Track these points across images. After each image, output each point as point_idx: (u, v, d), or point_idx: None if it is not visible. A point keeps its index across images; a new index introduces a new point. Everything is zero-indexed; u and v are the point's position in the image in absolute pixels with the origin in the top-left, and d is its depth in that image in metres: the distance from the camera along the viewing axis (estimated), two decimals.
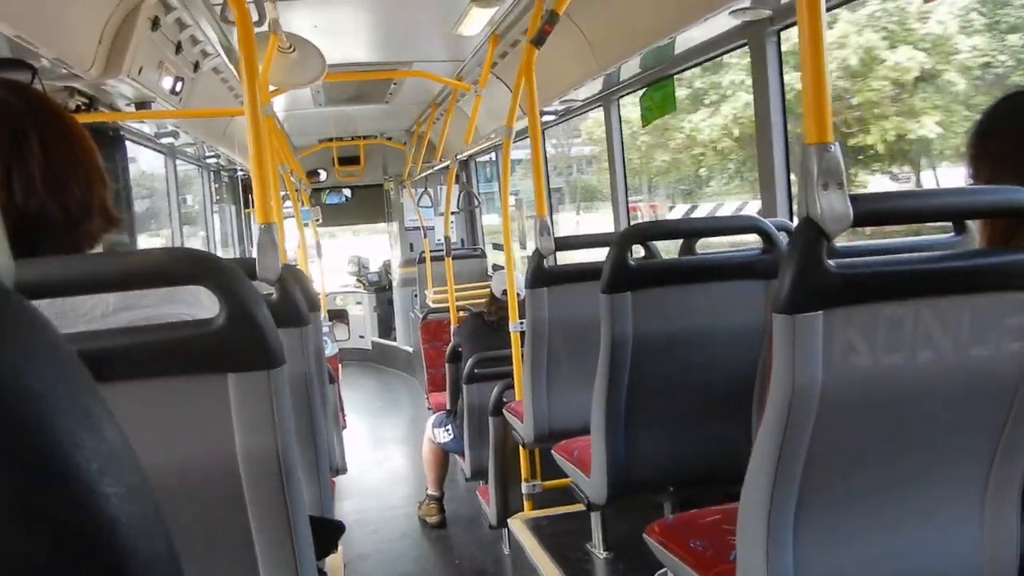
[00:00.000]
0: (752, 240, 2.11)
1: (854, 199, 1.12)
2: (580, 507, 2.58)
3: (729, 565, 1.39)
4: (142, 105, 3.49)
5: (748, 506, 1.27)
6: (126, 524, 0.33)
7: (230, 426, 0.95)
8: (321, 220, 8.25)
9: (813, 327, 1.12)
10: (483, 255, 8.09)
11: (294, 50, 3.31)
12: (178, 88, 3.67)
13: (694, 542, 1.55)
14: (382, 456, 6.50)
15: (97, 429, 0.33)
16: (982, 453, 1.30)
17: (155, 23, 3.09)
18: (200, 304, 1.05)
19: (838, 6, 2.82)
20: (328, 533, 1.39)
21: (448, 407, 4.76)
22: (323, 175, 9.25)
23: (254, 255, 1.52)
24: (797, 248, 1.12)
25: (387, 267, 10.27)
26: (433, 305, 6.83)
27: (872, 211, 1.15)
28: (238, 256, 8.06)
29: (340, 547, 3.09)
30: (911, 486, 1.30)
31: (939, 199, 1.25)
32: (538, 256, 2.67)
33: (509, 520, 3.29)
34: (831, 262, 1.12)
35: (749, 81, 2.94)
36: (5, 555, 0.29)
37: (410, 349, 8.67)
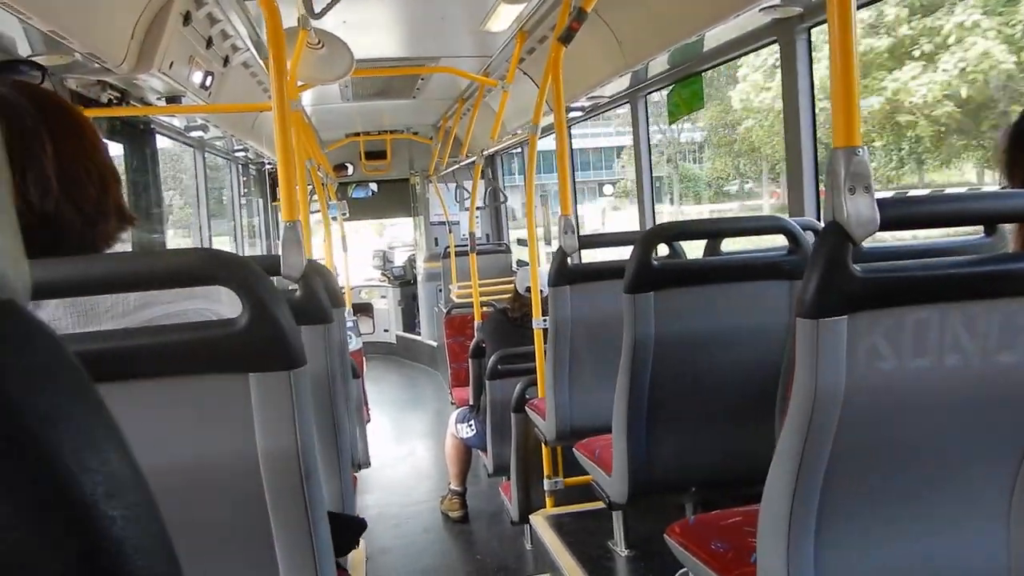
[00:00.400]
0: (781, 240, 2.09)
1: (881, 204, 1.11)
2: (602, 505, 2.58)
3: (750, 568, 1.38)
4: (172, 99, 3.53)
5: (769, 509, 1.26)
6: (133, 546, 0.33)
7: (251, 425, 0.96)
8: (348, 215, 8.29)
9: (837, 332, 1.11)
10: (508, 251, 8.09)
11: (323, 46, 3.32)
12: (208, 83, 3.70)
13: (715, 544, 1.54)
14: (406, 451, 6.54)
15: (104, 451, 0.33)
16: (1008, 460, 1.28)
17: (187, 18, 3.12)
18: (220, 300, 1.06)
19: (869, 3, 2.78)
20: (350, 530, 1.40)
21: (471, 402, 4.77)
22: (350, 169, 9.30)
23: (279, 251, 1.54)
24: (822, 252, 1.11)
25: (412, 261, 10.31)
26: (457, 300, 6.85)
27: (900, 216, 1.14)
28: (265, 249, 8.14)
29: (362, 542, 3.12)
30: (935, 493, 1.28)
31: (967, 203, 1.23)
32: (561, 254, 2.67)
33: (531, 516, 3.30)
34: (856, 267, 1.11)
35: (986, 23, 2.73)
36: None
37: (434, 344, 8.70)
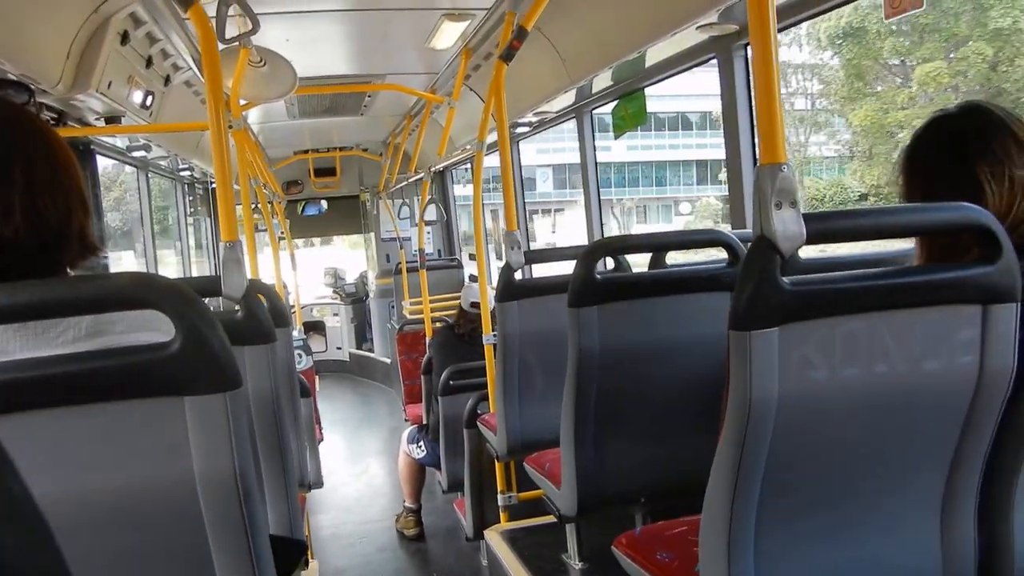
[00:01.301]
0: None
1: (807, 217, 1.14)
2: (555, 518, 2.59)
3: None
4: (112, 120, 3.47)
5: (709, 518, 1.28)
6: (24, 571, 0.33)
7: (187, 449, 0.95)
8: (286, 235, 8.21)
9: (768, 343, 1.14)
10: (459, 266, 8.09)
11: (265, 64, 3.30)
12: (148, 102, 3.65)
13: (661, 554, 1.56)
14: (360, 469, 6.48)
15: None
16: (938, 464, 1.32)
17: (124, 37, 3.08)
18: (172, 331, 1.05)
19: (790, 26, 2.86)
20: (290, 553, 1.39)
21: (424, 419, 4.77)
22: (302, 186, 9.24)
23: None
24: (752, 266, 1.14)
25: (364, 278, 10.25)
26: (409, 316, 6.83)
27: (825, 229, 1.17)
28: (213, 269, 8.02)
29: (315, 562, 3.09)
30: (870, 497, 1.32)
31: (893, 217, 1.27)
32: (508, 270, 2.68)
33: (485, 532, 3.29)
34: (785, 279, 1.14)
35: None
36: None
37: (388, 360, 8.65)
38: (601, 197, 4.71)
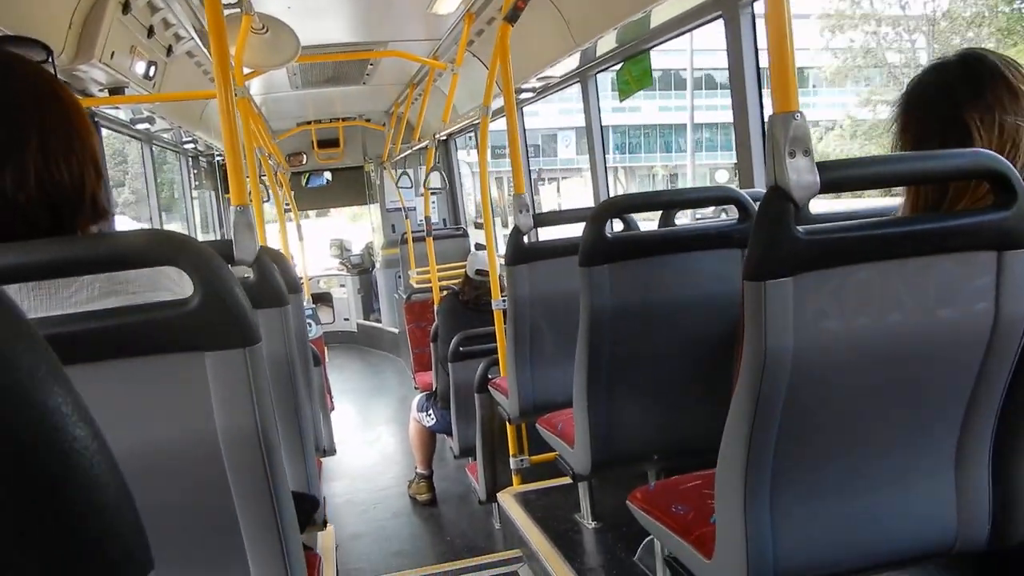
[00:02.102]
0: None
1: (821, 166, 1.13)
2: (568, 480, 2.61)
3: (710, 527, 1.42)
4: (115, 91, 3.46)
5: (725, 469, 1.29)
6: (85, 476, 0.34)
7: (209, 405, 0.96)
8: (292, 206, 8.20)
9: (783, 293, 1.14)
10: (465, 234, 8.08)
11: (267, 31, 3.28)
12: (151, 72, 3.64)
13: (675, 507, 1.58)
14: (372, 437, 6.53)
15: (56, 386, 0.34)
16: (953, 412, 1.33)
17: (126, 7, 3.06)
18: (185, 290, 1.06)
19: None
20: (304, 507, 1.41)
21: (434, 386, 4.79)
22: (305, 158, 9.22)
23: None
24: (766, 216, 1.14)
25: (369, 249, 10.25)
26: (416, 286, 6.84)
27: (840, 178, 1.17)
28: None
29: (331, 528, 3.13)
30: (885, 445, 1.33)
31: (907, 164, 1.27)
32: (517, 233, 2.68)
33: (498, 495, 3.33)
34: (800, 228, 1.14)
35: None
36: None
37: (396, 330, 8.68)
38: (620, 164, 4.67)
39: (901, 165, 1.26)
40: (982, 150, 1.31)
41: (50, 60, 1.18)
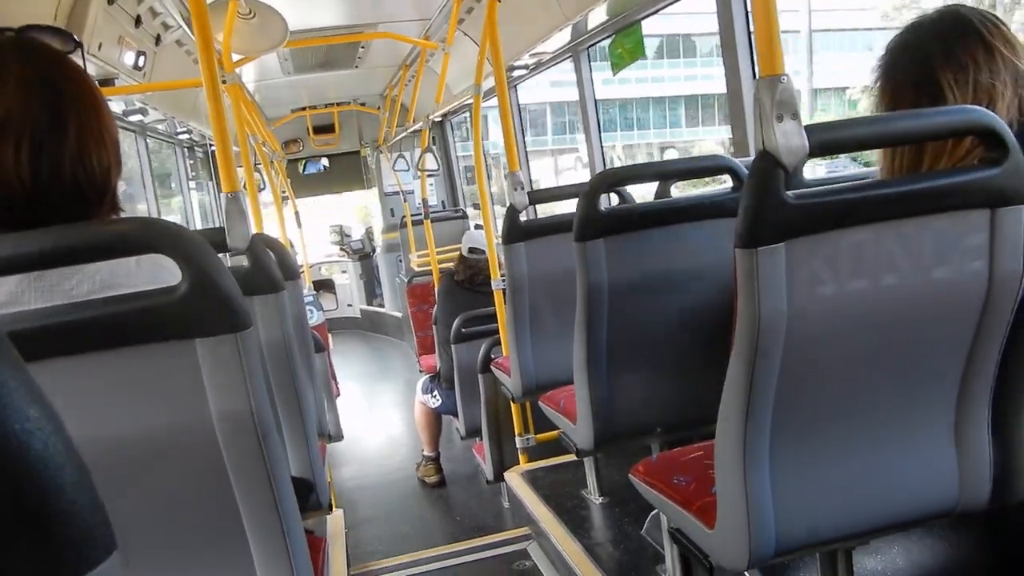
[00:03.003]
0: None
1: (809, 129, 1.12)
2: (574, 456, 2.61)
3: (711, 497, 1.42)
4: (105, 83, 3.44)
5: (723, 438, 1.29)
6: (36, 457, 0.34)
7: (203, 391, 0.96)
8: (289, 193, 8.18)
9: (775, 259, 1.14)
10: (464, 216, 8.07)
11: (254, 16, 3.26)
12: (141, 63, 3.62)
13: (677, 478, 1.58)
14: (379, 421, 6.56)
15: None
16: (951, 372, 1.33)
17: None
18: None
19: None
20: (300, 491, 1.41)
21: (438, 368, 4.81)
22: (302, 145, 9.20)
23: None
24: (755, 182, 1.13)
25: (369, 233, 10.25)
26: (417, 269, 6.84)
27: (829, 140, 1.16)
28: None
29: (340, 511, 3.15)
30: (883, 408, 1.33)
31: (896, 123, 1.25)
32: (512, 211, 2.67)
33: (505, 474, 3.34)
34: (789, 193, 1.13)
35: None
36: None
37: (399, 314, 8.69)
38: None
39: (891, 125, 1.24)
40: (974, 107, 1.29)
41: (80, 53, 1.18)
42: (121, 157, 1.13)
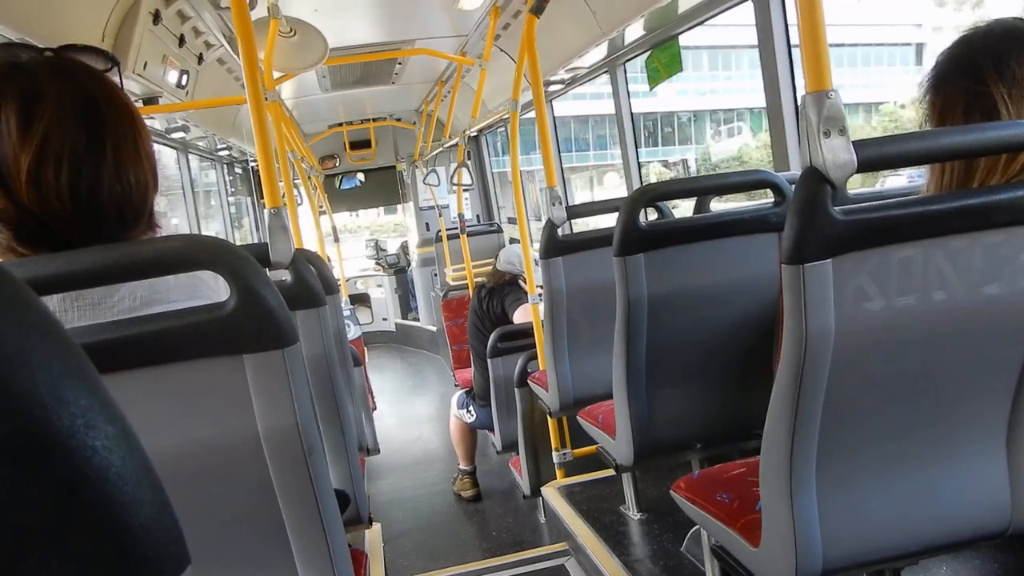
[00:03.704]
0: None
1: (858, 145, 1.11)
2: (612, 472, 2.59)
3: (756, 515, 1.40)
4: (150, 101, 3.52)
5: (769, 455, 1.28)
6: (116, 474, 0.34)
7: (250, 406, 0.97)
8: (327, 208, 8.26)
9: (822, 275, 1.12)
10: (499, 230, 8.09)
11: (295, 34, 3.31)
12: (184, 81, 3.69)
13: (720, 495, 1.56)
14: (415, 435, 6.58)
15: (79, 385, 0.34)
16: (1002, 391, 1.30)
17: (156, 17, 3.11)
18: (222, 296, 1.07)
19: None
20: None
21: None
22: (338, 160, 9.30)
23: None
24: (802, 198, 1.12)
25: (405, 248, 10.31)
26: (452, 283, 6.87)
27: (877, 156, 1.14)
28: None
29: (377, 525, 3.16)
30: (932, 427, 1.30)
31: (947, 139, 1.23)
32: (550, 226, 2.67)
33: (542, 489, 3.33)
34: (836, 209, 1.11)
35: None
36: (2, 513, 0.30)
37: (434, 328, 8.72)
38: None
39: (941, 140, 1.22)
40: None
41: (115, 70, 1.20)
42: (158, 174, 1.14)
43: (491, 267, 4.79)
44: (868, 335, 1.18)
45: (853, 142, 1.11)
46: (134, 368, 0.95)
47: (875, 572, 1.48)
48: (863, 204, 1.15)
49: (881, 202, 1.16)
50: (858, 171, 1.12)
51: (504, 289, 4.55)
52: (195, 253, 0.92)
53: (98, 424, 0.34)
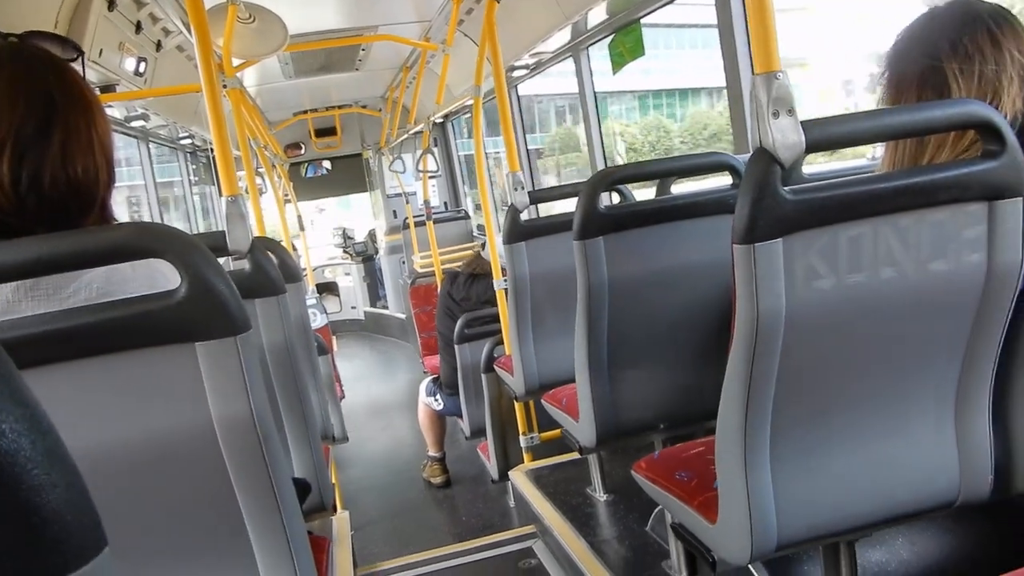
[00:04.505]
0: None
1: (806, 125, 1.13)
2: (578, 454, 2.61)
3: (713, 492, 1.42)
4: (107, 89, 3.46)
5: (724, 433, 1.30)
6: (26, 457, 0.35)
7: (203, 394, 0.97)
8: (292, 197, 8.19)
9: (773, 255, 1.14)
10: (466, 216, 8.08)
11: (254, 20, 3.27)
12: (142, 69, 3.63)
13: (679, 474, 1.58)
14: (384, 423, 6.57)
15: None
16: (949, 364, 1.33)
17: (111, 3, 3.05)
18: None
19: None
20: (298, 492, 1.42)
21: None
22: (304, 148, 9.21)
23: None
24: (752, 178, 1.13)
25: (372, 236, 10.27)
26: (420, 270, 6.85)
27: (825, 136, 1.16)
28: None
29: (346, 512, 3.15)
30: (882, 401, 1.33)
31: (894, 118, 1.25)
32: (513, 211, 2.68)
33: (510, 473, 3.35)
34: (786, 189, 1.13)
35: None
36: None
37: (402, 316, 8.70)
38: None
39: (888, 119, 1.24)
40: (971, 100, 1.29)
41: (80, 61, 1.17)
42: (114, 168, 1.12)
43: (460, 254, 4.79)
44: (819, 313, 1.20)
45: (802, 122, 1.13)
46: (84, 357, 0.94)
47: (830, 545, 1.51)
48: (812, 184, 1.17)
49: (829, 181, 1.18)
50: (807, 151, 1.14)
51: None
52: (144, 241, 0.91)
53: (6, 408, 0.34)
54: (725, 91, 2.95)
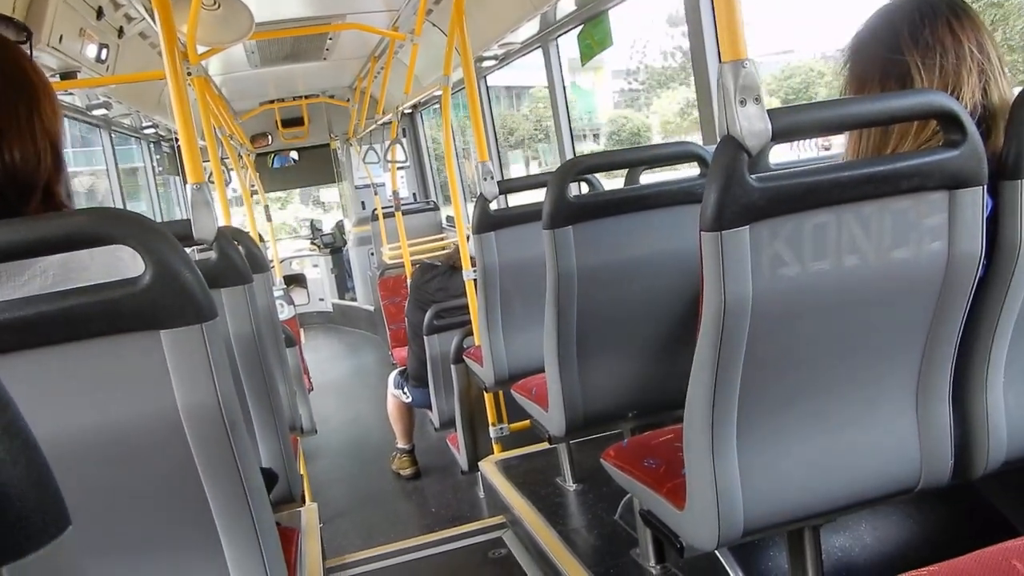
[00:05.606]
0: None
1: (772, 113, 1.14)
2: (548, 445, 2.62)
3: (681, 479, 1.43)
4: (67, 75, 3.39)
5: (692, 420, 1.31)
6: None
7: (169, 383, 0.96)
8: (259, 188, 8.10)
9: (740, 242, 1.15)
10: (436, 208, 8.05)
11: (219, 7, 3.22)
12: (103, 56, 3.56)
13: (647, 461, 1.60)
14: (352, 415, 6.54)
15: None
16: (911, 350, 1.35)
17: None
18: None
19: None
20: (265, 481, 1.41)
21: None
22: (271, 138, 9.10)
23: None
24: (719, 166, 1.14)
25: (340, 227, 10.19)
26: (389, 262, 6.82)
27: (791, 124, 1.17)
28: None
29: (314, 504, 3.14)
30: (846, 387, 1.35)
31: (858, 106, 1.27)
32: (483, 201, 2.67)
33: (480, 463, 3.35)
34: (753, 177, 1.14)
35: None
36: None
37: (371, 308, 8.66)
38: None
39: (852, 108, 1.26)
40: (933, 90, 1.31)
41: (28, 43, 1.14)
42: (61, 156, 1.08)
43: (429, 245, 4.77)
44: (784, 299, 1.22)
45: (768, 111, 1.14)
46: (46, 345, 0.92)
47: (795, 531, 1.53)
48: (778, 172, 1.18)
49: (795, 169, 1.19)
50: (773, 139, 1.15)
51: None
52: (105, 227, 0.90)
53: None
54: None
